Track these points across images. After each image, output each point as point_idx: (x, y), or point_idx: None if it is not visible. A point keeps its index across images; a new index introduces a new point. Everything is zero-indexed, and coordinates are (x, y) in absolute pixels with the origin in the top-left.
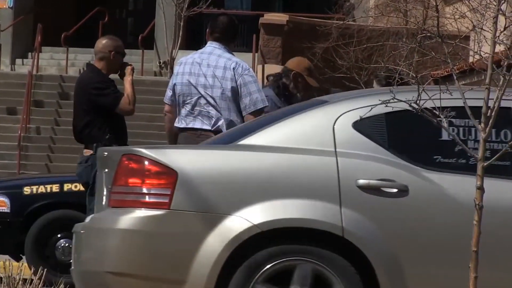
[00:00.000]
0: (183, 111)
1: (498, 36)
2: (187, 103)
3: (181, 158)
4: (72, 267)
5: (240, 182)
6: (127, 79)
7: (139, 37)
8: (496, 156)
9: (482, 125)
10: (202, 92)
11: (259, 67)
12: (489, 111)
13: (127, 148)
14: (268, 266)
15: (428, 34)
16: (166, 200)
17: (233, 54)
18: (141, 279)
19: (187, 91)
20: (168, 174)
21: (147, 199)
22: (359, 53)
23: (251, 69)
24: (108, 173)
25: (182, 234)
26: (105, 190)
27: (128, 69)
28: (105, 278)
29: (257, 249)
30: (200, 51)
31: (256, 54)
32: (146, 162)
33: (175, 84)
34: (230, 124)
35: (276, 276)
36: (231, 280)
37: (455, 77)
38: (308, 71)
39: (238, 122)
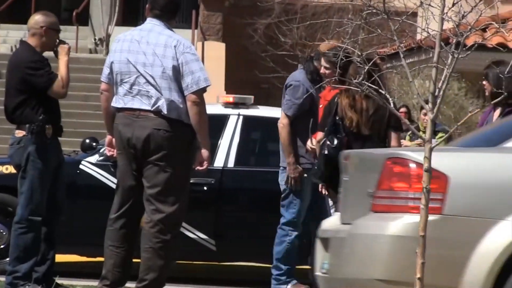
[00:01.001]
0: (121, 90)
1: (446, 13)
2: (125, 82)
3: (451, 161)
4: (323, 273)
5: None
6: (63, 60)
7: (74, 13)
8: (442, 139)
9: (430, 105)
10: (141, 71)
11: (199, 44)
12: (437, 90)
13: (391, 151)
14: None
15: (374, 11)
16: (438, 205)
17: (173, 31)
18: (411, 286)
19: (126, 69)
20: (439, 178)
21: (416, 204)
22: (303, 30)
23: (193, 47)
24: (365, 176)
25: (455, 239)
26: (353, 193)
27: (64, 49)
28: (375, 285)
29: None
30: (139, 27)
31: (196, 30)
32: (413, 166)
33: (112, 62)
34: (170, 104)
35: None
36: None
37: (401, 55)
38: None
39: (179, 102)
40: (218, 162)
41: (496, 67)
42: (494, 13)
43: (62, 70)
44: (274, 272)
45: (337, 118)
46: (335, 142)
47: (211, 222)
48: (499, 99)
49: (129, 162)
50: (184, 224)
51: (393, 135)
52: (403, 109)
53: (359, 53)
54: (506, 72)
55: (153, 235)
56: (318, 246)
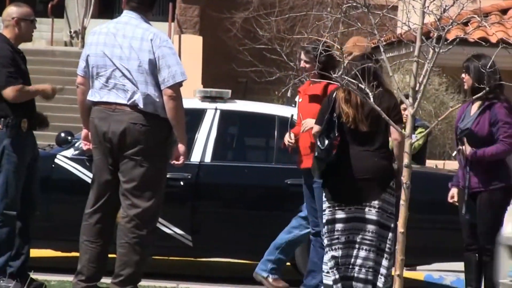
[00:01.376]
0: (97, 84)
1: (428, 7)
2: (101, 75)
3: None
4: (510, 281)
5: None
6: (42, 86)
7: (49, 5)
8: (422, 134)
9: (410, 100)
10: (118, 64)
11: (176, 37)
12: (418, 85)
13: None
14: None
15: (354, 4)
16: None
17: (150, 24)
18: None
19: (102, 62)
20: None
21: None
22: (281, 24)
23: (169, 41)
24: None
25: None
26: None
27: (49, 87)
28: None
29: None
30: (115, 20)
31: (172, 23)
32: None
33: (88, 55)
34: (147, 98)
35: None
36: None
37: (382, 49)
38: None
39: (155, 96)
40: (195, 157)
41: (477, 61)
42: (476, 7)
43: (36, 87)
44: (267, 256)
45: (335, 115)
46: (326, 143)
47: (188, 218)
48: (480, 94)
49: (105, 156)
50: (160, 219)
51: (394, 129)
52: None
53: (339, 47)
54: (487, 66)
55: (129, 230)
56: (503, 254)
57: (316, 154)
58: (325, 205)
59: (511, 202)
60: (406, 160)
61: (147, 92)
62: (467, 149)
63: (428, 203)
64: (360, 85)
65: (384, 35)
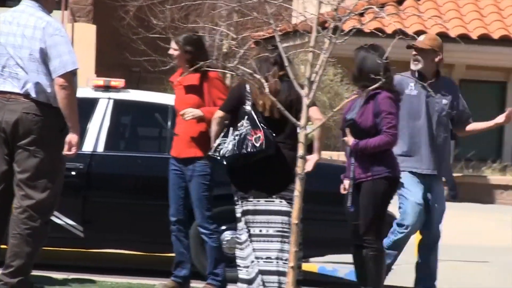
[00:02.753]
0: None
1: None
2: None
3: None
4: None
5: None
6: None
7: None
8: (317, 126)
9: (306, 90)
10: (12, 53)
11: (69, 26)
12: (314, 75)
13: None
14: None
15: None
16: None
17: (48, 14)
18: None
19: None
20: None
21: None
22: (176, 12)
23: (63, 29)
24: None
25: None
26: None
27: None
28: None
29: None
30: (13, 9)
31: (65, 11)
32: None
33: None
34: (38, 87)
35: None
36: None
37: (277, 39)
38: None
39: (47, 86)
40: (87, 147)
41: (365, 51)
42: None
43: None
44: None
45: (247, 106)
46: (263, 139)
47: (79, 208)
48: (376, 85)
49: (0, 146)
50: None
51: (314, 109)
52: None
53: (234, 36)
54: (383, 56)
55: (22, 221)
56: None
57: (265, 148)
58: (234, 198)
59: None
60: (300, 151)
61: (38, 81)
62: (350, 139)
63: (321, 194)
64: (255, 75)
65: (280, 25)
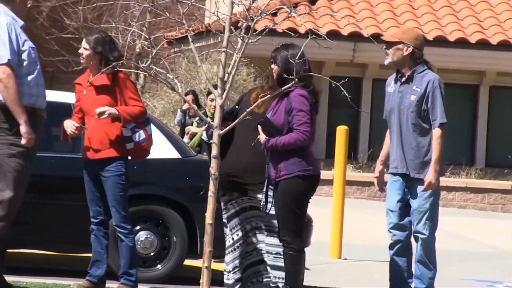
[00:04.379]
0: None
1: None
2: None
3: None
4: None
5: None
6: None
7: None
8: (230, 127)
9: (219, 90)
10: None
11: None
12: (227, 75)
13: None
14: None
15: None
16: None
17: (9, 14)
18: None
19: None
20: None
21: None
22: (88, 13)
23: (2, 26)
24: None
25: None
26: None
27: None
28: None
29: None
30: None
31: None
32: None
33: None
34: None
35: None
36: None
37: (190, 39)
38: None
39: None
40: None
41: (285, 51)
42: None
43: None
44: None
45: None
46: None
47: None
48: (289, 85)
49: None
50: None
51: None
52: (190, 96)
53: (147, 36)
54: (296, 57)
55: None
56: None
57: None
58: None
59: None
60: (214, 151)
61: None
62: (261, 137)
63: None
64: (168, 75)
65: (193, 25)
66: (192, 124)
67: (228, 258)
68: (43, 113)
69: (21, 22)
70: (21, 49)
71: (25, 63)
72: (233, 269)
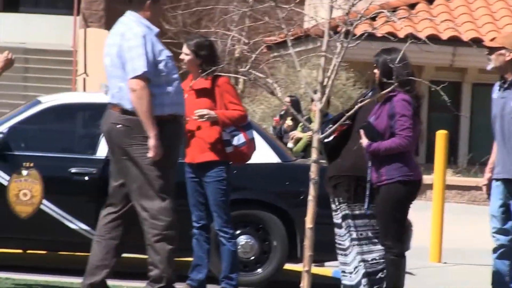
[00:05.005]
0: None
1: (335, 1)
2: None
3: None
4: None
5: None
6: None
7: None
8: (331, 129)
9: (319, 95)
10: None
11: (81, 31)
12: (326, 80)
13: None
14: None
15: None
16: None
17: (141, 22)
18: None
19: None
20: None
21: None
22: (187, 17)
23: (137, 35)
24: None
25: None
26: None
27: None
28: None
29: None
30: None
31: (78, 17)
32: None
33: None
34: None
35: None
36: None
37: (289, 44)
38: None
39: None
40: (101, 152)
41: (385, 55)
42: (383, 1)
43: None
44: None
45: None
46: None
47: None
48: (389, 89)
49: None
50: None
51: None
52: (287, 99)
53: (246, 41)
54: (396, 61)
55: None
56: None
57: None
58: (333, 205)
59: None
60: (314, 156)
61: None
62: (364, 142)
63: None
64: (267, 79)
65: (292, 30)
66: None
67: (348, 259)
68: (183, 120)
69: (156, 30)
70: (157, 60)
71: (163, 73)
72: (354, 269)
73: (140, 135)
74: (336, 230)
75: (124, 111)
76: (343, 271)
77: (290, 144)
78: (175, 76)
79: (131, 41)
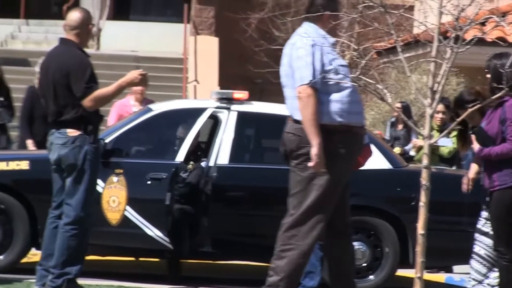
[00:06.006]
0: None
1: (445, 6)
2: None
3: None
4: None
5: None
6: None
7: (64, 7)
8: (443, 133)
9: (429, 100)
10: None
11: (191, 38)
12: (436, 85)
13: None
14: None
15: (370, 4)
16: None
17: (317, 32)
18: None
19: None
20: None
21: None
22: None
23: (305, 45)
24: None
25: None
26: None
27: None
28: None
29: None
30: None
31: (188, 25)
32: None
33: None
34: None
35: None
36: None
37: (399, 50)
38: None
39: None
40: (212, 159)
41: (496, 59)
42: (493, 6)
43: (117, 84)
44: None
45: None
46: None
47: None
48: (500, 94)
49: None
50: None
51: None
52: (397, 104)
53: (356, 47)
54: (507, 65)
55: None
56: None
57: None
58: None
59: None
60: (425, 161)
61: None
62: (475, 147)
63: (444, 205)
64: (377, 85)
65: (401, 35)
66: (402, 138)
67: (484, 269)
68: (361, 131)
69: (332, 39)
70: (326, 68)
71: (332, 81)
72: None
73: (309, 145)
74: (483, 238)
75: (296, 121)
76: (476, 280)
77: (412, 152)
78: (347, 85)
79: (300, 50)
